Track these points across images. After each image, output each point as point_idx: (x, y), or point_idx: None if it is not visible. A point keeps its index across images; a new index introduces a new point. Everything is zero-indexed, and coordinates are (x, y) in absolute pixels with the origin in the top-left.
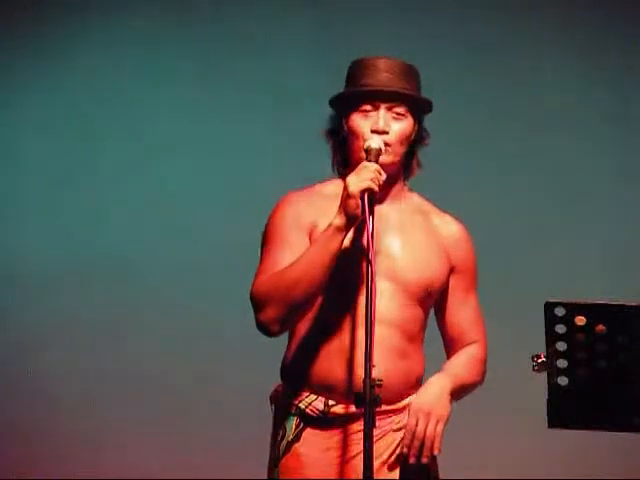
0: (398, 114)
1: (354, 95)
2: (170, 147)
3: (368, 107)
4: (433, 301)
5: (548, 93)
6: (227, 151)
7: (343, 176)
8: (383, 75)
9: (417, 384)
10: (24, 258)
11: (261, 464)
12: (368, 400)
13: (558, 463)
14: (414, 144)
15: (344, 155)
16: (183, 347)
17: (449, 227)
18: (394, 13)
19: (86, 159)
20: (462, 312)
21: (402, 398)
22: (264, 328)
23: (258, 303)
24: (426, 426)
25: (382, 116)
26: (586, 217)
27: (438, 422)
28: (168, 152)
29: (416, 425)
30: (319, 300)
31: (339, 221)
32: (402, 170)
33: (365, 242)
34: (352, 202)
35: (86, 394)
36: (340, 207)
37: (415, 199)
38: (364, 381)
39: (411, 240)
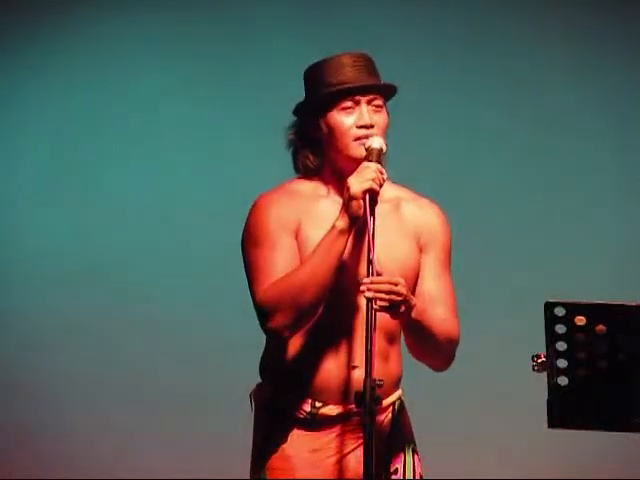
0: (377, 106)
1: (334, 94)
2: (171, 148)
3: (349, 104)
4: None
5: (550, 92)
6: (228, 151)
7: (318, 176)
8: (355, 70)
9: (398, 384)
10: (24, 259)
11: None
12: (369, 400)
13: (558, 463)
14: None
15: (319, 156)
16: (183, 347)
17: (420, 212)
18: (393, 12)
19: (86, 160)
20: (432, 285)
21: (384, 398)
22: (275, 335)
23: (266, 311)
24: (394, 284)
25: (365, 111)
26: (587, 217)
27: (400, 293)
28: (169, 152)
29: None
30: None
31: (342, 223)
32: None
33: (372, 242)
34: (355, 203)
35: (86, 395)
36: (342, 209)
37: (382, 188)
38: (364, 381)
39: (383, 234)
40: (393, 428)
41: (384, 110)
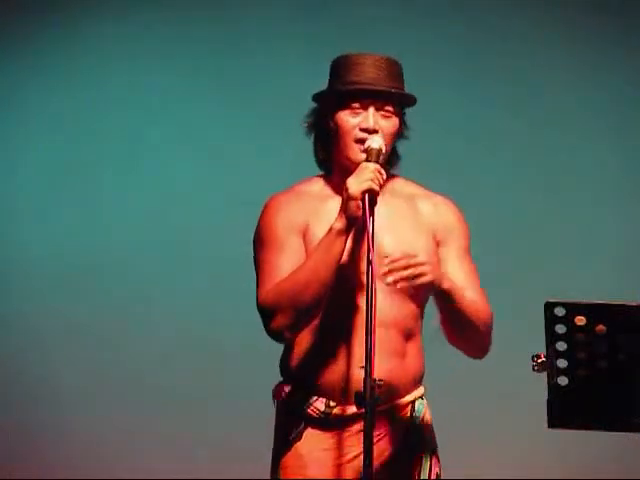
0: (387, 112)
1: (344, 93)
2: (171, 149)
3: (357, 105)
4: (424, 291)
5: (550, 92)
6: (228, 152)
7: (329, 175)
8: (372, 73)
9: (418, 381)
10: (24, 259)
11: (257, 464)
12: (368, 400)
13: (558, 463)
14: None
15: (328, 150)
16: (183, 347)
17: (434, 209)
18: (393, 13)
19: (86, 160)
20: (457, 272)
21: (401, 397)
22: (276, 336)
23: (268, 312)
24: (418, 264)
25: (372, 115)
26: (587, 217)
27: (423, 273)
28: (169, 153)
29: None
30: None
31: (340, 224)
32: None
33: (371, 242)
34: (353, 204)
35: (86, 395)
36: (341, 209)
37: (397, 185)
38: (364, 381)
39: (397, 230)
40: (411, 427)
41: (394, 116)
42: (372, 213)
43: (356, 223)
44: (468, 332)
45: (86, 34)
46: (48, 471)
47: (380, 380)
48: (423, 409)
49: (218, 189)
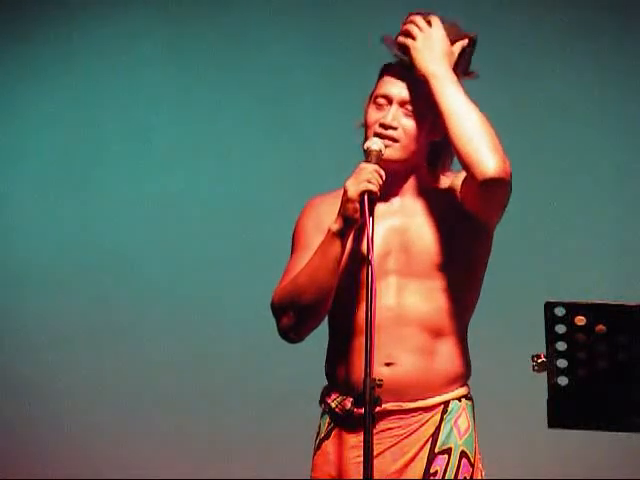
0: (410, 111)
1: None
2: (174, 148)
3: (382, 100)
4: (454, 281)
5: (549, 91)
6: (231, 152)
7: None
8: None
9: (452, 382)
10: (25, 258)
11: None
12: (368, 400)
13: (558, 463)
14: (438, 142)
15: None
16: (182, 347)
17: (458, 175)
18: (395, 12)
19: (88, 159)
20: None
21: (430, 396)
22: (283, 337)
23: (275, 312)
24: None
25: (392, 111)
26: (587, 217)
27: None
28: (171, 153)
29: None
30: (345, 302)
31: (337, 226)
32: (427, 164)
33: (371, 243)
34: (350, 206)
35: (86, 395)
36: (339, 211)
37: (442, 182)
38: (364, 381)
39: (422, 225)
40: (440, 428)
41: (420, 117)
42: (372, 214)
43: (354, 225)
44: (475, 135)
45: (86, 31)
46: (48, 471)
47: (380, 380)
48: (457, 410)
49: (220, 189)
